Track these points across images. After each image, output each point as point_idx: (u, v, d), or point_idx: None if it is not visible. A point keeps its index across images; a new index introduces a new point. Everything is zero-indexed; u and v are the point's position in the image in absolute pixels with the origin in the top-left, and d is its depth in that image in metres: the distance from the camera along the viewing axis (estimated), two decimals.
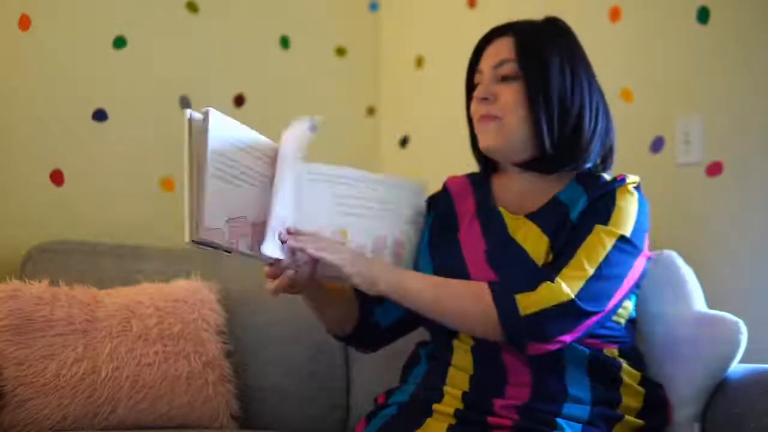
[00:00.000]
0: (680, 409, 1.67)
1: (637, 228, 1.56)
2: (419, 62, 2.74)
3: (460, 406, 1.54)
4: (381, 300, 1.68)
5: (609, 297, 1.49)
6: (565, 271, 1.48)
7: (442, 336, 1.62)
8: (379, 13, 2.83)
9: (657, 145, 2.15)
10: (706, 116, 2.08)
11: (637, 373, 1.60)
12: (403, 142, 2.75)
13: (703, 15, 2.07)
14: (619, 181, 1.59)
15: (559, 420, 1.49)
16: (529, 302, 1.44)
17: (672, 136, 2.13)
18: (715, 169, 2.05)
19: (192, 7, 2.46)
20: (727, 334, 1.69)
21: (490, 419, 1.51)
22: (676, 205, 2.07)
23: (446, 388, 1.56)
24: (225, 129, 1.44)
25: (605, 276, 1.49)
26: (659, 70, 2.16)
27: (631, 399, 1.57)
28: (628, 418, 1.55)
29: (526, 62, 1.59)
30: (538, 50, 1.59)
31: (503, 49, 1.62)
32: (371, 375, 2.12)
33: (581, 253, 1.50)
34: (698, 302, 1.81)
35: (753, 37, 2.02)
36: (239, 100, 2.54)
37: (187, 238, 1.39)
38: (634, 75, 2.21)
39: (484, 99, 1.60)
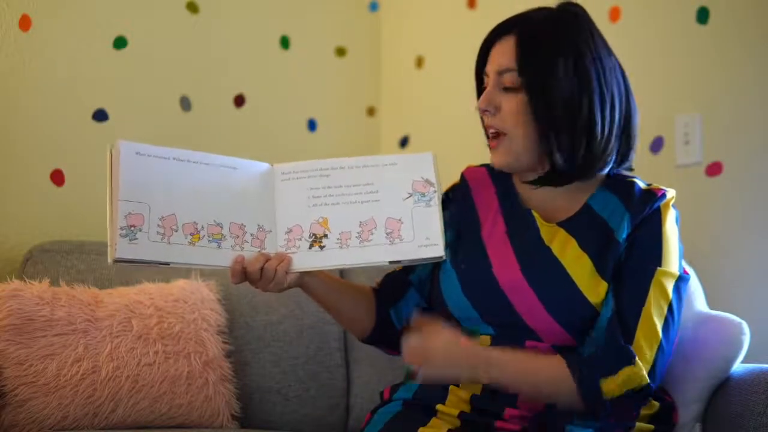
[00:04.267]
0: (682, 409, 1.66)
1: (681, 255, 1.54)
2: (419, 62, 2.74)
3: (467, 408, 1.51)
4: (394, 301, 1.67)
5: (667, 362, 1.50)
6: (639, 340, 1.45)
7: None
8: (379, 13, 2.83)
9: (657, 145, 2.15)
10: (705, 116, 2.08)
11: None
12: (403, 142, 2.76)
13: (703, 15, 2.07)
14: (660, 197, 1.52)
15: (570, 427, 1.46)
16: (612, 387, 1.43)
17: (672, 136, 2.13)
18: (714, 169, 2.05)
19: (192, 7, 2.46)
20: (731, 335, 1.68)
21: (499, 423, 1.48)
22: (676, 205, 2.08)
23: (453, 388, 1.53)
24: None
25: (671, 340, 1.48)
26: (659, 70, 2.16)
27: (646, 409, 1.55)
28: (639, 424, 1.53)
29: (526, 71, 1.49)
30: (540, 54, 1.49)
31: (506, 53, 1.52)
32: (371, 375, 2.13)
33: (649, 311, 1.46)
34: (699, 302, 1.81)
35: (753, 37, 2.02)
36: (239, 100, 2.54)
37: (110, 259, 1.46)
38: (634, 75, 2.21)
39: (485, 111, 1.53)
